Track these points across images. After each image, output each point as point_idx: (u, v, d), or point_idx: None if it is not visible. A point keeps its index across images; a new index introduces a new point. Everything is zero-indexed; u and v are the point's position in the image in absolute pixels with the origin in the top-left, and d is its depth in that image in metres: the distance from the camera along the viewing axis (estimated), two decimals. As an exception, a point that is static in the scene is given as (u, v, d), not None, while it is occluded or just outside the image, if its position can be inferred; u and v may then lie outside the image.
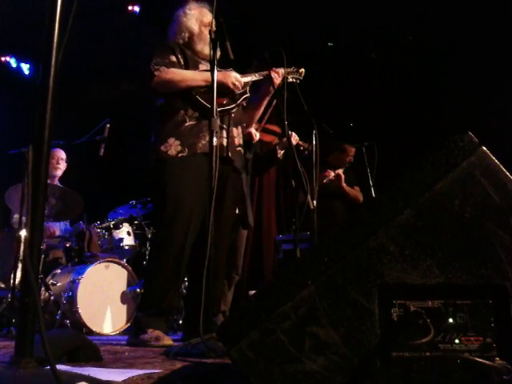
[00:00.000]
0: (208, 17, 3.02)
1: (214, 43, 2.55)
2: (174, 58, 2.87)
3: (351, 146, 4.73)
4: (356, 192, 4.86)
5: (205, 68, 2.88)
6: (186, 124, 2.79)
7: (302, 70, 3.27)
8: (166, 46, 2.93)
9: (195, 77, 2.82)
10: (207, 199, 2.77)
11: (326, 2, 5.49)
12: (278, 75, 3.09)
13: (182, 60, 2.89)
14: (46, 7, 1.22)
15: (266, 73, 3.06)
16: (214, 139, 2.43)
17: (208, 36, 2.89)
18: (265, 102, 3.28)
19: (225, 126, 2.85)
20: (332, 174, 4.58)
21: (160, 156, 2.78)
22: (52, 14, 1.22)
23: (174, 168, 2.76)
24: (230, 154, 2.85)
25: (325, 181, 4.56)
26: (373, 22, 5.81)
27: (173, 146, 2.76)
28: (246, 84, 2.99)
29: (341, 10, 5.60)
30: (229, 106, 2.88)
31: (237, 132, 2.95)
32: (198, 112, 2.80)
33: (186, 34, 3.01)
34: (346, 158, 4.84)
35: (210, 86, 2.52)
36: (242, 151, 3.03)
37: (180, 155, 2.75)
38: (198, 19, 3.01)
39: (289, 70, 3.21)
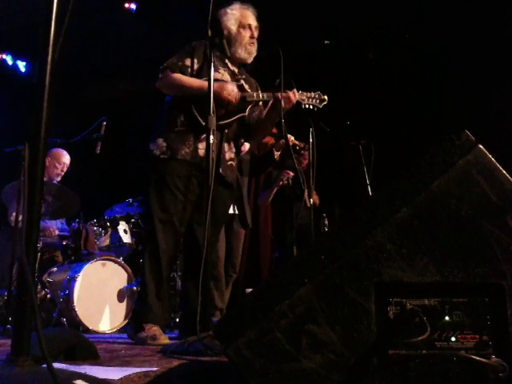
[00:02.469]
0: (248, 19, 3.02)
1: (210, 41, 2.55)
2: (187, 62, 2.88)
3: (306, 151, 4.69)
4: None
5: (219, 75, 2.84)
6: (176, 129, 2.82)
7: (325, 97, 3.00)
8: (188, 47, 2.94)
9: (192, 84, 2.80)
10: (187, 203, 2.79)
11: (323, 1, 5.48)
12: (291, 99, 2.87)
13: (197, 64, 2.88)
14: (43, 5, 1.22)
15: (277, 95, 2.84)
16: (211, 137, 2.43)
17: (245, 38, 2.97)
18: (271, 127, 3.05)
19: (215, 141, 2.80)
20: (291, 174, 4.54)
21: (148, 154, 2.85)
22: (49, 12, 1.22)
23: (156, 168, 2.82)
24: (220, 170, 2.83)
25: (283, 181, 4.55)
26: (370, 21, 5.81)
27: (159, 147, 2.81)
28: (248, 103, 2.90)
29: (338, 9, 5.60)
30: (222, 121, 2.81)
31: (228, 147, 2.91)
32: (189, 122, 2.80)
33: (225, 33, 2.97)
34: (304, 162, 4.77)
35: (205, 96, 2.48)
36: (234, 164, 2.97)
37: (162, 156, 2.79)
38: (237, 19, 2.99)
39: (309, 94, 2.98)
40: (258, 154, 3.94)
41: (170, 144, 2.80)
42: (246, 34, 2.99)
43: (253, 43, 3.01)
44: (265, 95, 2.91)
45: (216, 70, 2.81)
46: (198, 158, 2.77)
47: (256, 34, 3.03)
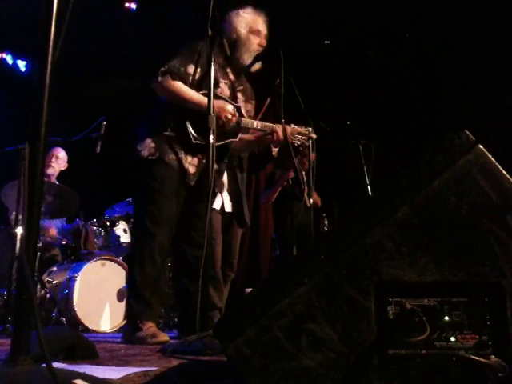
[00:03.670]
0: (259, 25, 2.96)
1: (210, 40, 2.54)
2: (190, 69, 2.78)
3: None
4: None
5: (219, 90, 2.80)
6: (166, 133, 2.77)
7: (314, 136, 3.04)
8: (193, 49, 2.81)
9: (192, 98, 2.73)
10: (178, 206, 2.77)
11: (323, 1, 5.48)
12: (279, 134, 2.88)
13: (199, 74, 2.77)
14: (43, 4, 1.22)
15: (270, 126, 2.87)
16: (211, 137, 2.42)
17: (253, 44, 2.91)
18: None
19: (200, 157, 2.77)
20: (293, 174, 4.54)
21: (134, 154, 2.81)
22: (48, 11, 1.22)
23: (145, 171, 2.78)
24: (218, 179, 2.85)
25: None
26: (370, 20, 5.81)
27: (147, 148, 2.77)
28: (241, 129, 2.87)
29: (338, 9, 5.60)
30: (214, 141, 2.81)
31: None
32: (180, 132, 2.75)
33: (234, 36, 2.93)
34: (306, 163, 4.77)
35: (202, 111, 2.44)
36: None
37: (150, 158, 2.75)
38: (248, 24, 2.93)
39: (300, 130, 3.00)
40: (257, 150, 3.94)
41: (159, 146, 2.75)
42: (255, 40, 2.94)
43: (259, 51, 2.94)
44: (259, 125, 2.90)
45: (216, 84, 2.73)
46: (183, 168, 2.75)
47: (264, 43, 2.97)
